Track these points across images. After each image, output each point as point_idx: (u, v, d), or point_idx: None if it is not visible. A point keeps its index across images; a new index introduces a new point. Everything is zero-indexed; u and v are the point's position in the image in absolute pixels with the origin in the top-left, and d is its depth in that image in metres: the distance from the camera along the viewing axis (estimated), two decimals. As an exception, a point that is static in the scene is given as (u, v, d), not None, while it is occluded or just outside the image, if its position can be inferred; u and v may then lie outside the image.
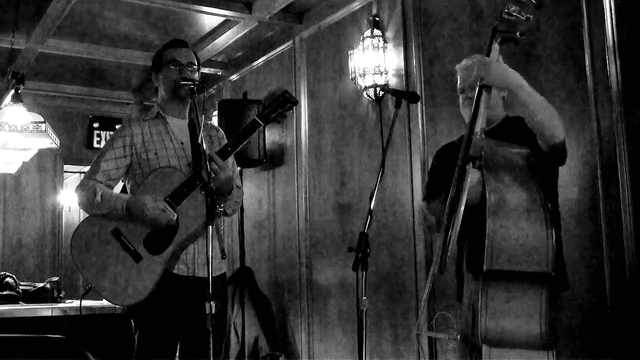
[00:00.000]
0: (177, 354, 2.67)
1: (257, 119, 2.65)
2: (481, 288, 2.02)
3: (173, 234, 2.52)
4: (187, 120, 2.79)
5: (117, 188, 2.77)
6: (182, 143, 2.71)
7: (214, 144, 2.78)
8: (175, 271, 2.58)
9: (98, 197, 2.59)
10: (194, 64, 2.75)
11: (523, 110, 2.23)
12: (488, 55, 2.20)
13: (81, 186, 2.67)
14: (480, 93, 2.20)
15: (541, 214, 2.03)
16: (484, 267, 2.01)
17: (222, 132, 2.92)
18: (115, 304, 2.54)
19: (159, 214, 2.49)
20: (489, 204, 2.05)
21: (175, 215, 2.50)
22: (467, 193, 2.07)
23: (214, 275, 2.29)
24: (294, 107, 2.77)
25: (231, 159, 2.73)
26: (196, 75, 2.74)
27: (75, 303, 4.35)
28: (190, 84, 2.51)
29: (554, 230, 2.02)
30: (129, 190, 2.72)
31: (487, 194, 2.06)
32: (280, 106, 2.68)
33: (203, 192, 2.26)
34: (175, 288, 2.56)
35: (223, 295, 2.81)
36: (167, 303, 2.55)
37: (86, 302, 4.15)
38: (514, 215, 2.04)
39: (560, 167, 2.39)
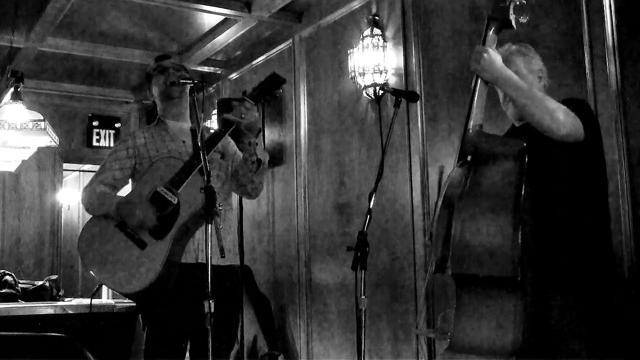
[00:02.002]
0: (188, 352, 2.67)
1: (246, 98, 2.68)
2: (455, 291, 1.96)
3: (175, 217, 2.55)
4: (187, 124, 2.87)
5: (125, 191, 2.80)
6: (183, 141, 2.78)
7: None
8: (183, 260, 2.61)
9: (94, 199, 2.67)
10: (178, 64, 2.89)
11: (515, 106, 2.18)
12: (483, 43, 2.14)
13: (85, 188, 2.76)
14: (475, 84, 2.12)
15: (509, 215, 1.89)
16: (449, 271, 1.94)
17: None
18: (126, 293, 2.56)
19: (146, 221, 2.53)
20: (457, 204, 1.95)
21: (177, 199, 2.54)
22: (452, 192, 2.01)
23: (223, 264, 2.31)
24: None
25: (230, 140, 2.84)
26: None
27: (75, 301, 4.36)
28: (189, 83, 2.52)
29: (521, 233, 1.87)
30: None
31: (463, 194, 1.97)
32: (269, 86, 2.72)
33: (202, 190, 2.27)
34: (183, 278, 2.57)
35: (233, 285, 2.80)
36: (176, 296, 2.56)
37: (85, 301, 4.15)
38: (480, 217, 1.92)
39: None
